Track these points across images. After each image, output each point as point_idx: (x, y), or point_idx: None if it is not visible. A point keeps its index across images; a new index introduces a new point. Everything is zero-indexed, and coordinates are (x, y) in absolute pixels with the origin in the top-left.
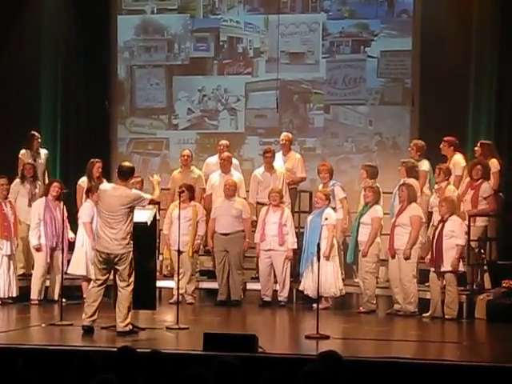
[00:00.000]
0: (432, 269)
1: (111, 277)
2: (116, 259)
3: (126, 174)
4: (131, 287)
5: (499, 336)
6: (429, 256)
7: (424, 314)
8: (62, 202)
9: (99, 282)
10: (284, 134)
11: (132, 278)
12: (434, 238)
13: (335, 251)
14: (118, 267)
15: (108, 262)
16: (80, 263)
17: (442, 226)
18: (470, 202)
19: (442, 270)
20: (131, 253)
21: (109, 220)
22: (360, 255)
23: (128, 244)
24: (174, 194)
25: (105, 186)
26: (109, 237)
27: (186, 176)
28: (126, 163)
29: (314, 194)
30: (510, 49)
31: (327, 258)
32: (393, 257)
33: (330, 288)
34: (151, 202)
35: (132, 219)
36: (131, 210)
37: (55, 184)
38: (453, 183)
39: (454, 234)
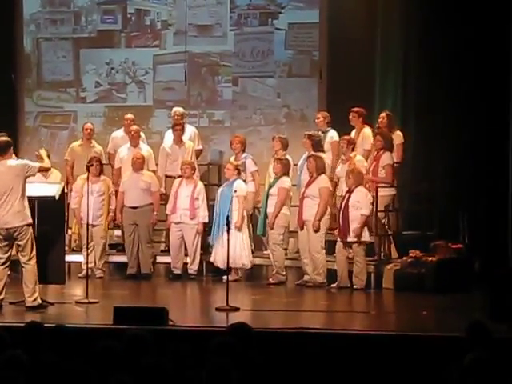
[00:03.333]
0: (339, 239)
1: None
2: (15, 234)
3: (4, 148)
4: (34, 260)
5: (406, 305)
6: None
7: (332, 285)
8: None
9: (2, 261)
10: (175, 109)
11: (34, 252)
12: (340, 208)
13: (245, 223)
14: (18, 242)
15: (8, 238)
16: None
17: (349, 197)
18: (371, 173)
19: (349, 240)
20: (30, 226)
21: (2, 195)
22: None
23: (26, 216)
24: (73, 166)
25: None
26: (5, 212)
27: (86, 149)
28: (2, 138)
29: (222, 166)
30: (416, 20)
31: (238, 229)
32: (301, 228)
33: (240, 259)
34: (41, 169)
35: (25, 190)
36: (24, 180)
37: None
38: (362, 156)
39: (359, 205)
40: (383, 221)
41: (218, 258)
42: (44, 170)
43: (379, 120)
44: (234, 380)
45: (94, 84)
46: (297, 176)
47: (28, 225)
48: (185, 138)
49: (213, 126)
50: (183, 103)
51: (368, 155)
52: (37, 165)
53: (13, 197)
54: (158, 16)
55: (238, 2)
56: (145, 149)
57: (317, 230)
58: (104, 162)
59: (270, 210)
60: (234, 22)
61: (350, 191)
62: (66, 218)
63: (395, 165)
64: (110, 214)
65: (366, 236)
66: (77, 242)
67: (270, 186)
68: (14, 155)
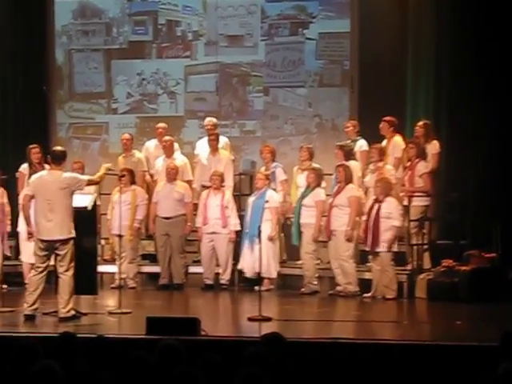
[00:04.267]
0: (367, 249)
1: (52, 262)
2: (57, 245)
3: (59, 158)
4: (72, 272)
5: (440, 315)
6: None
7: (365, 294)
8: (1, 188)
9: (40, 270)
10: (208, 119)
11: (73, 263)
12: (368, 218)
13: (277, 233)
14: (58, 252)
15: (49, 249)
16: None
17: (379, 207)
18: (407, 182)
19: (378, 250)
20: (72, 238)
21: (47, 206)
22: (303, 237)
23: (68, 229)
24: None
25: (39, 173)
26: (49, 223)
27: (128, 160)
28: (58, 147)
29: (254, 176)
30: (447, 30)
31: (272, 239)
32: (329, 238)
33: (271, 269)
34: (89, 182)
35: (71, 203)
36: (71, 193)
37: None
38: (392, 165)
39: (391, 216)
40: (415, 230)
41: (246, 266)
42: (93, 184)
43: (416, 129)
44: None
45: (126, 95)
46: (331, 186)
47: (70, 237)
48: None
49: (244, 136)
50: (214, 113)
51: (399, 164)
52: (85, 178)
53: (58, 208)
54: (188, 27)
55: (269, 12)
56: (180, 159)
57: (350, 240)
58: (144, 169)
59: (303, 220)
60: (265, 32)
61: (379, 201)
62: (99, 228)
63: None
64: (135, 224)
65: (394, 246)
66: (110, 252)
67: (303, 197)
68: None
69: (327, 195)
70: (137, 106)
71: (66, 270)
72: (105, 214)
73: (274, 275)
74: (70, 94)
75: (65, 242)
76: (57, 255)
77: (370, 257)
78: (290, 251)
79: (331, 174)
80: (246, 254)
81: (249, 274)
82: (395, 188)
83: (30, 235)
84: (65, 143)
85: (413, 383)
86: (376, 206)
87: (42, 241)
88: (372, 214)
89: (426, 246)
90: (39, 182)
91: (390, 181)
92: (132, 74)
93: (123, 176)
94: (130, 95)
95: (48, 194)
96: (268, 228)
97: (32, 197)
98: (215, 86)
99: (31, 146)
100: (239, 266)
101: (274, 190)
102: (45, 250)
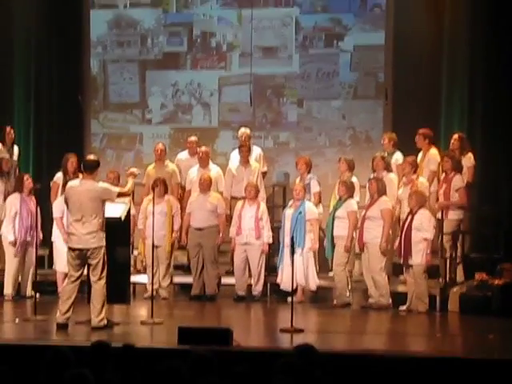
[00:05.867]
0: (401, 261)
1: (85, 272)
2: (88, 253)
3: (91, 168)
4: (104, 281)
5: (472, 328)
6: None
7: (400, 307)
8: (34, 196)
9: (73, 279)
10: (242, 130)
11: (105, 272)
12: (402, 230)
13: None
14: (90, 261)
15: (81, 258)
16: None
17: (412, 219)
18: (443, 196)
19: (410, 262)
20: (103, 247)
21: (79, 215)
22: (336, 249)
23: (100, 238)
24: (149, 188)
25: (72, 182)
26: (80, 232)
27: (160, 170)
28: (91, 156)
29: (287, 188)
30: (482, 42)
31: (314, 251)
32: (362, 250)
33: (310, 282)
34: (120, 194)
35: (103, 213)
36: (102, 203)
37: (27, 178)
38: (427, 178)
39: (423, 228)
40: (448, 243)
41: (284, 279)
42: (123, 196)
43: (451, 142)
44: None
45: (160, 105)
46: (366, 197)
47: (101, 246)
48: (251, 159)
49: (277, 147)
50: (248, 124)
51: (434, 176)
52: (117, 190)
53: (89, 217)
54: (223, 38)
55: (304, 24)
56: (214, 170)
57: (384, 253)
58: (177, 181)
59: (336, 232)
60: (300, 43)
61: (412, 213)
62: (132, 238)
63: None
64: (173, 234)
65: (426, 258)
66: (143, 263)
67: (335, 209)
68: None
69: (360, 207)
70: (171, 116)
71: (99, 279)
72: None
73: (314, 288)
74: (104, 105)
75: (96, 250)
76: (89, 265)
77: (404, 269)
78: (322, 263)
79: (364, 187)
80: (284, 267)
81: (287, 287)
82: (429, 200)
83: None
84: (99, 153)
85: None
86: (409, 218)
87: (74, 249)
88: (405, 225)
89: (459, 260)
90: (72, 190)
91: (423, 193)
92: (166, 85)
93: (157, 186)
94: (164, 106)
95: (80, 203)
96: (309, 240)
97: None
98: (249, 97)
99: (69, 155)
100: (278, 280)
101: (309, 200)
102: (77, 259)
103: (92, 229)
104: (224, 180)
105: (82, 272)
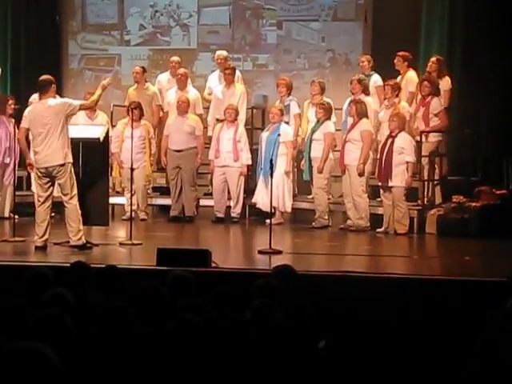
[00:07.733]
0: (380, 183)
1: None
2: (55, 172)
3: (44, 86)
4: (76, 199)
5: (449, 250)
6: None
7: (377, 229)
8: (13, 119)
9: (42, 199)
10: (218, 52)
11: (75, 191)
12: (382, 152)
13: (292, 168)
14: (58, 181)
15: (48, 176)
16: None
17: (392, 142)
18: (421, 119)
19: (390, 184)
20: (70, 164)
21: (43, 134)
22: (314, 171)
23: (65, 155)
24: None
25: (31, 105)
26: (45, 151)
27: (140, 93)
28: (43, 76)
29: (266, 110)
30: None
31: (287, 173)
32: (343, 172)
33: (283, 203)
34: (83, 106)
35: (66, 130)
36: (65, 119)
37: (10, 101)
38: (406, 100)
39: (404, 151)
40: (427, 166)
41: (260, 200)
42: (86, 108)
43: (429, 64)
44: (278, 320)
45: (139, 27)
46: (342, 120)
47: (67, 163)
48: (235, 81)
49: (256, 69)
50: (227, 47)
51: (412, 98)
52: (78, 103)
53: (52, 136)
54: None
55: None
56: (192, 92)
57: (361, 174)
58: (158, 103)
59: (314, 154)
60: None
61: (392, 136)
62: (110, 161)
63: None
64: (151, 157)
65: (410, 181)
66: (122, 184)
67: (313, 131)
68: (57, 95)
69: (337, 130)
70: (149, 38)
71: (70, 198)
72: None
73: (289, 209)
74: (82, 25)
75: (62, 168)
76: (58, 185)
77: (382, 191)
78: (301, 185)
79: (341, 109)
80: (260, 189)
81: (263, 207)
82: (408, 123)
83: (31, 166)
84: (77, 74)
85: (421, 316)
86: (389, 141)
87: (40, 169)
88: (385, 148)
89: (437, 182)
90: (31, 113)
91: (404, 116)
92: (145, 6)
93: (135, 109)
94: (142, 27)
95: (41, 123)
96: (283, 162)
97: (28, 129)
98: (228, 18)
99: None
100: (253, 200)
101: (287, 123)
102: (43, 178)
103: (56, 146)
104: (202, 102)
105: (51, 192)
